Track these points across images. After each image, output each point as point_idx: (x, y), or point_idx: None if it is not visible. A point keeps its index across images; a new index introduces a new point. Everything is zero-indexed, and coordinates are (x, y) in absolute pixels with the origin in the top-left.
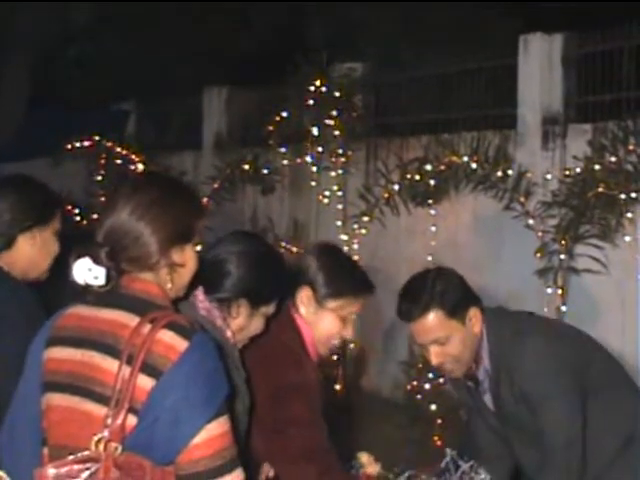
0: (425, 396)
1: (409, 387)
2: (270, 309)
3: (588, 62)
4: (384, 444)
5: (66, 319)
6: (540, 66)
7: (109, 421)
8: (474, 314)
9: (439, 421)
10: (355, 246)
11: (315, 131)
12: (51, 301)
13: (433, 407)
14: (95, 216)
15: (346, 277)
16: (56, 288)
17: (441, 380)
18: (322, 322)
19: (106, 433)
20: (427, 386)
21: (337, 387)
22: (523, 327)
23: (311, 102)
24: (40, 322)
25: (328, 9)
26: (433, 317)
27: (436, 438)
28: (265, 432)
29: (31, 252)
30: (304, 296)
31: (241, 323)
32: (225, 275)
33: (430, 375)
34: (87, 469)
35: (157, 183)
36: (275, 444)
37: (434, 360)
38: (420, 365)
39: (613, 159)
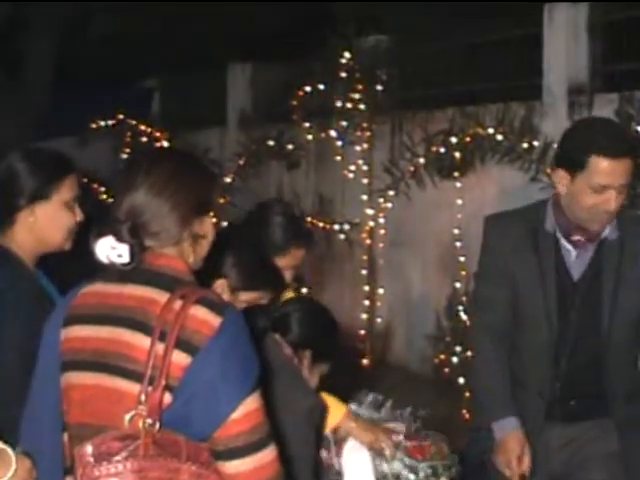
0: (453, 370)
1: (437, 361)
2: (324, 369)
3: (614, 30)
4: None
5: (85, 297)
6: (565, 35)
7: (143, 398)
8: None
9: (467, 394)
10: (381, 220)
11: (340, 105)
12: (73, 277)
13: (461, 380)
14: None
15: (258, 273)
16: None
17: (469, 353)
18: None
19: (142, 410)
20: (455, 359)
21: (364, 361)
22: None
23: (341, 75)
24: (43, 306)
25: None
26: (632, 162)
27: (464, 412)
28: None
29: (34, 229)
30: (219, 286)
31: (306, 374)
32: (291, 327)
33: (458, 348)
34: (126, 446)
35: (171, 158)
36: None
37: (613, 205)
38: (448, 338)
39: None
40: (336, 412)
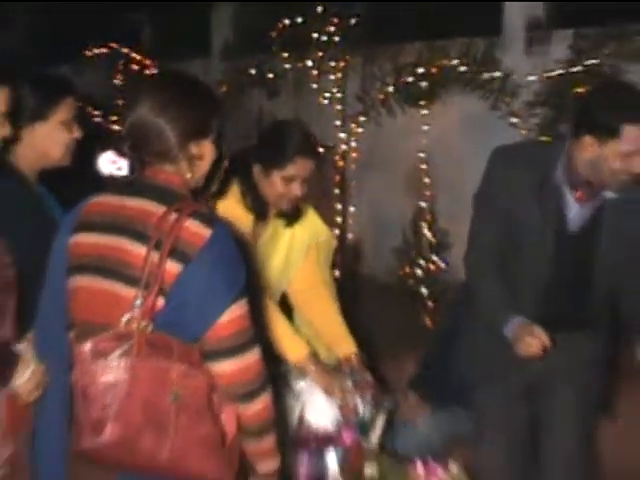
0: (416, 281)
1: (401, 273)
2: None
3: None
4: (379, 325)
5: (92, 206)
6: None
7: (138, 302)
8: None
9: (430, 304)
10: (353, 144)
11: (316, 37)
12: (76, 191)
13: (424, 291)
14: (114, 118)
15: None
16: (80, 179)
17: (432, 267)
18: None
19: (136, 312)
20: (419, 272)
21: (336, 273)
22: None
23: (318, 10)
24: (45, 218)
25: None
26: None
27: (427, 319)
28: None
29: (36, 144)
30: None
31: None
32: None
33: (421, 262)
34: (121, 346)
35: (175, 82)
36: None
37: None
38: (412, 253)
39: (593, 61)
40: (300, 349)
